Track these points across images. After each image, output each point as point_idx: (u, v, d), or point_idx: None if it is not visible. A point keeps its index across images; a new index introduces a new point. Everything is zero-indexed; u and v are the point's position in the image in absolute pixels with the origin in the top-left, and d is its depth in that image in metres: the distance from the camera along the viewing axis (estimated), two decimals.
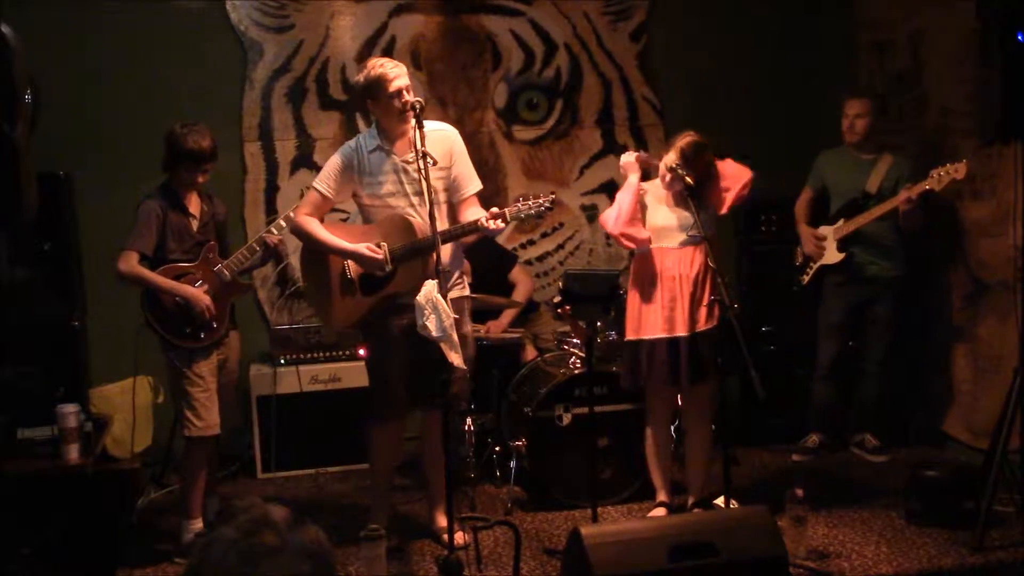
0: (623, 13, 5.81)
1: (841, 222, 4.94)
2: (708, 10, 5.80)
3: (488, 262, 5.14)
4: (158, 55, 5.24)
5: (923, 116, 5.30)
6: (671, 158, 4.04)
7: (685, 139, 4.06)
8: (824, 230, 5.02)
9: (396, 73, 3.82)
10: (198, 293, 4.00)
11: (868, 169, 4.96)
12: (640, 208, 4.16)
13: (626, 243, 4.13)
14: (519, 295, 5.27)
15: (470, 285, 4.20)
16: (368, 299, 3.94)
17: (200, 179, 4.07)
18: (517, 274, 5.35)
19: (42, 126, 3.31)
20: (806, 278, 5.08)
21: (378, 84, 3.82)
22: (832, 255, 4.97)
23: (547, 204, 3.75)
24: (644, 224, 4.14)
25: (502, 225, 3.74)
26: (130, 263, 3.94)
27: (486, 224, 3.72)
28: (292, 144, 5.51)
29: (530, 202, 3.76)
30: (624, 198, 4.11)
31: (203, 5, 5.35)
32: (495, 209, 3.76)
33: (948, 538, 3.98)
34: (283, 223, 4.21)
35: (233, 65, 5.40)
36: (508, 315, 5.23)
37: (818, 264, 5.02)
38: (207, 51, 5.35)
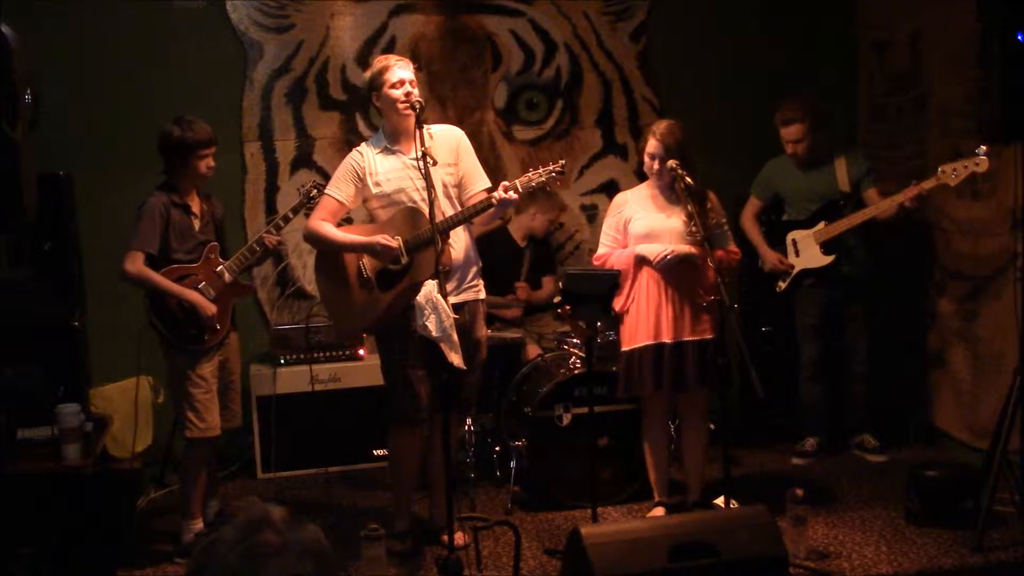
0: (623, 13, 5.81)
1: (821, 225, 4.90)
2: (708, 10, 5.80)
3: (538, 252, 5.32)
4: (158, 55, 5.24)
5: (923, 116, 5.29)
6: (657, 166, 4.05)
7: (660, 128, 4.08)
8: (798, 234, 4.99)
9: (397, 64, 3.86)
10: (204, 300, 4.00)
11: (828, 172, 4.95)
12: (625, 221, 4.18)
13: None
14: (540, 295, 5.30)
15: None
16: (387, 295, 3.91)
17: (212, 164, 4.05)
18: (550, 281, 5.36)
19: (42, 126, 3.32)
20: (783, 284, 5.05)
21: (379, 76, 3.85)
22: (817, 258, 4.93)
23: (557, 170, 3.75)
24: (630, 231, 4.15)
25: (515, 197, 3.75)
26: (137, 264, 3.93)
27: (502, 196, 3.72)
28: (292, 144, 5.51)
29: (540, 171, 3.76)
30: (620, 261, 4.15)
31: (203, 5, 5.35)
32: (506, 182, 3.76)
33: (948, 538, 3.98)
34: (281, 223, 4.21)
35: (233, 65, 5.40)
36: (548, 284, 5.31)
37: (799, 268, 4.99)
38: (207, 51, 5.35)
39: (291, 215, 4.21)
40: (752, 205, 5.20)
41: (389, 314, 3.93)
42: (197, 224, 4.09)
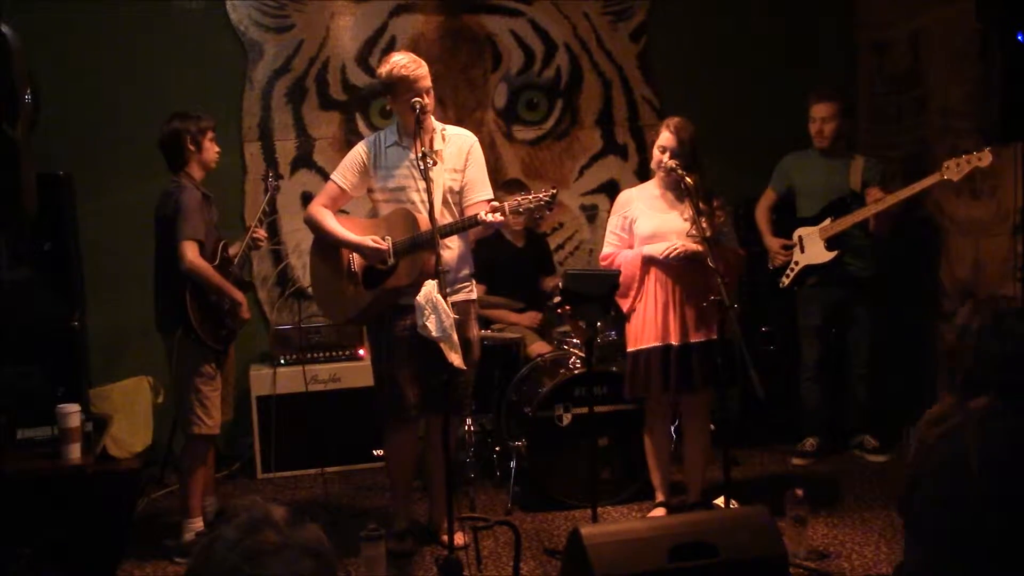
0: (623, 13, 5.81)
1: (828, 221, 4.90)
2: (708, 10, 5.80)
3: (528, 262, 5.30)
4: (158, 55, 5.25)
5: (923, 116, 5.30)
6: (667, 160, 4.04)
7: (674, 122, 4.07)
8: (805, 231, 4.99)
9: (419, 75, 3.87)
10: (244, 300, 4.10)
11: (843, 169, 4.96)
12: (630, 221, 4.18)
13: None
14: (549, 283, 5.29)
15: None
16: (369, 293, 3.95)
17: (218, 150, 4.16)
18: (552, 282, 5.34)
19: (42, 126, 3.32)
20: (787, 280, 5.06)
21: (400, 84, 3.85)
22: (820, 254, 4.93)
23: (546, 199, 3.75)
24: (636, 232, 4.15)
25: (500, 218, 3.75)
26: (197, 255, 3.94)
27: (485, 218, 3.73)
28: (292, 144, 5.51)
29: (530, 196, 3.77)
30: (627, 262, 4.13)
31: (203, 5, 5.35)
32: (495, 203, 3.78)
33: None
34: (263, 216, 4.36)
35: (233, 65, 5.40)
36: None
37: (802, 265, 5.00)
38: (207, 51, 5.36)
39: (268, 208, 4.41)
40: (767, 197, 5.21)
41: (370, 311, 3.98)
42: (215, 217, 4.18)
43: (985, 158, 4.26)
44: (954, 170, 4.36)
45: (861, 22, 5.84)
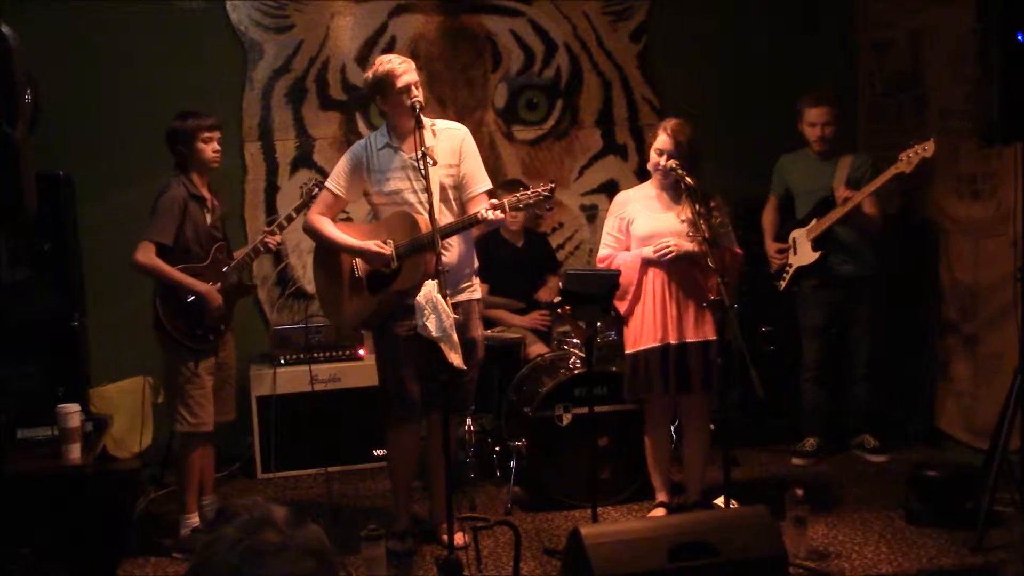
0: (623, 13, 5.81)
1: (814, 222, 4.93)
2: (708, 10, 5.80)
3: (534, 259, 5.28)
4: (158, 55, 5.24)
5: (923, 116, 5.30)
6: (668, 159, 4.03)
7: (671, 124, 4.06)
8: (797, 232, 5.01)
9: (404, 69, 3.85)
10: (212, 291, 4.05)
11: (831, 167, 4.98)
12: (627, 223, 4.17)
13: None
14: (544, 295, 5.27)
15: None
16: (375, 297, 3.96)
17: (218, 149, 4.12)
18: (554, 281, 5.33)
19: (42, 126, 3.32)
20: (783, 283, 5.07)
21: (386, 81, 3.85)
22: (808, 255, 4.95)
23: (545, 193, 3.76)
24: (632, 232, 4.15)
25: (501, 216, 3.76)
26: (148, 254, 3.96)
27: (485, 215, 3.73)
28: (292, 144, 5.51)
29: (529, 192, 3.78)
30: (625, 264, 4.12)
31: (203, 5, 5.35)
32: (494, 200, 3.78)
33: (948, 538, 3.98)
34: (284, 223, 4.26)
35: (233, 65, 5.40)
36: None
37: (795, 267, 5.02)
38: (207, 51, 5.35)
39: (294, 214, 4.25)
40: (769, 202, 5.23)
41: (376, 316, 3.99)
42: (209, 218, 4.15)
43: (930, 148, 4.44)
44: (905, 162, 4.51)
45: (861, 22, 5.84)
